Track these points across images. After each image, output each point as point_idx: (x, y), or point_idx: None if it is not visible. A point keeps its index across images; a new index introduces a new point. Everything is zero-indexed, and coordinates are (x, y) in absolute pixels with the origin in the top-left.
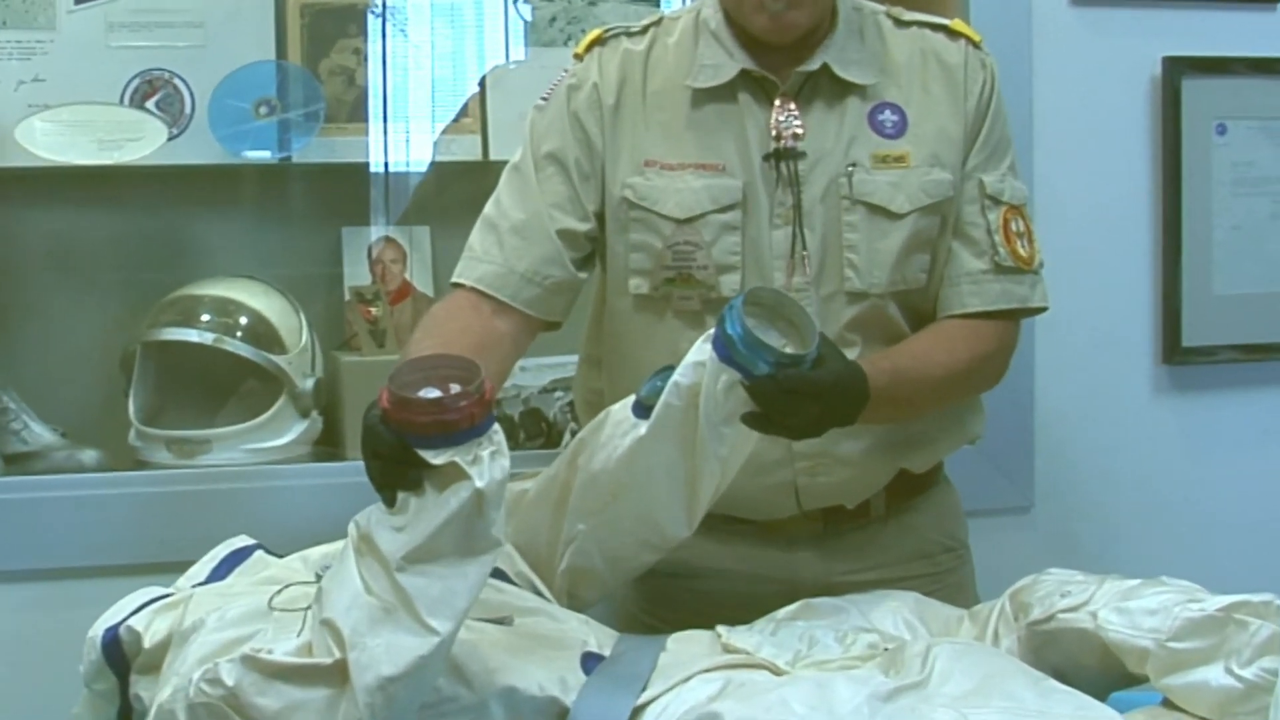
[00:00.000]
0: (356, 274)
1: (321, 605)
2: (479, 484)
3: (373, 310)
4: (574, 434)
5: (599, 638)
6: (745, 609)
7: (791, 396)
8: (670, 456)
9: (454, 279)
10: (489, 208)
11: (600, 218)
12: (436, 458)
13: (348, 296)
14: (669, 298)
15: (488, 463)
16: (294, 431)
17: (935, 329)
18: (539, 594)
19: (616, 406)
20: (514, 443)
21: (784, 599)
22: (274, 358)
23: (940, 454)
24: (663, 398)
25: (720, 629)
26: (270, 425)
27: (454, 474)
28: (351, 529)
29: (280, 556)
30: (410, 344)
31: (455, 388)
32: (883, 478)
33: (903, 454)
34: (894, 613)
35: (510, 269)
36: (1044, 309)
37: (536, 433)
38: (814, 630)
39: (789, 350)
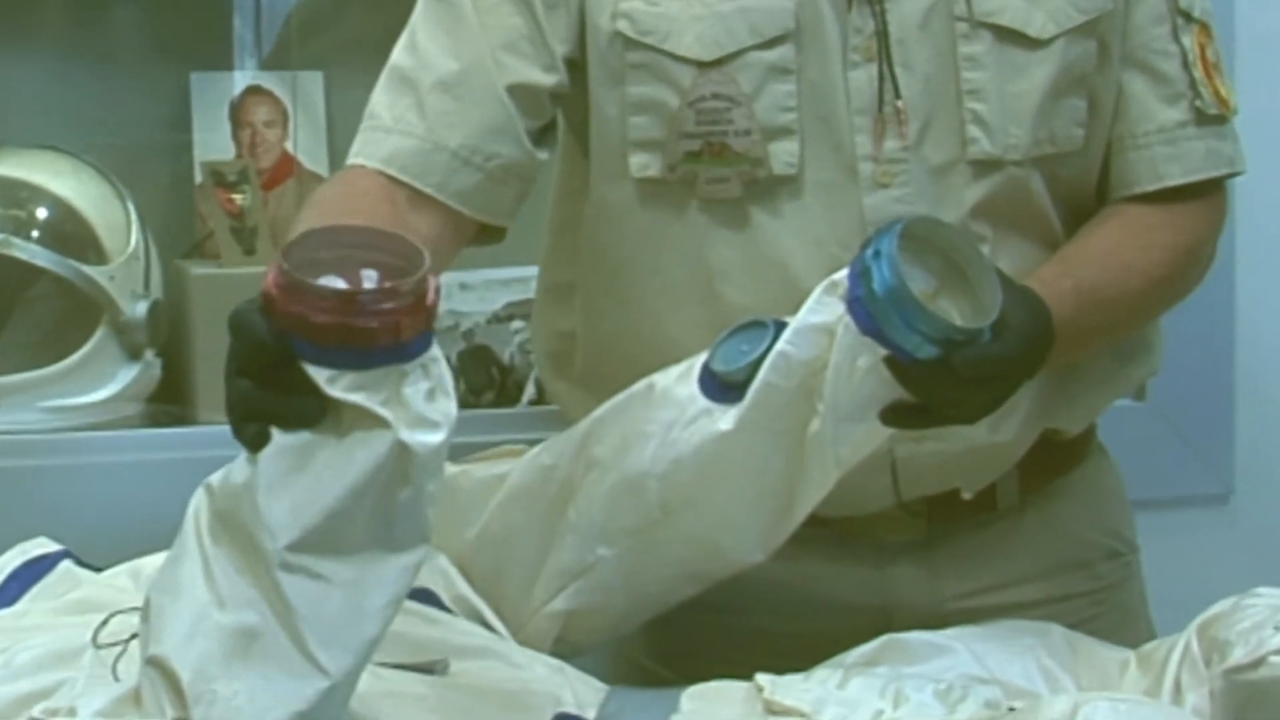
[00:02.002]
0: (213, 143)
1: (148, 632)
2: (402, 435)
3: (237, 198)
4: (539, 386)
5: (578, 693)
6: (810, 656)
7: (968, 384)
8: (762, 457)
9: (351, 158)
10: (400, 55)
11: (576, 66)
12: (333, 384)
13: (200, 177)
14: (692, 181)
15: (417, 404)
16: (119, 380)
17: (1119, 218)
18: (488, 627)
19: (669, 379)
20: None
21: (870, 637)
22: (88, 269)
23: (1099, 405)
24: (761, 375)
25: (761, 679)
26: (83, 371)
27: (363, 416)
28: (200, 500)
29: (98, 570)
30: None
31: (373, 276)
32: (1019, 444)
33: (1048, 407)
34: (1024, 654)
35: (437, 144)
36: (1243, 172)
37: (484, 382)
38: (903, 681)
39: (961, 323)
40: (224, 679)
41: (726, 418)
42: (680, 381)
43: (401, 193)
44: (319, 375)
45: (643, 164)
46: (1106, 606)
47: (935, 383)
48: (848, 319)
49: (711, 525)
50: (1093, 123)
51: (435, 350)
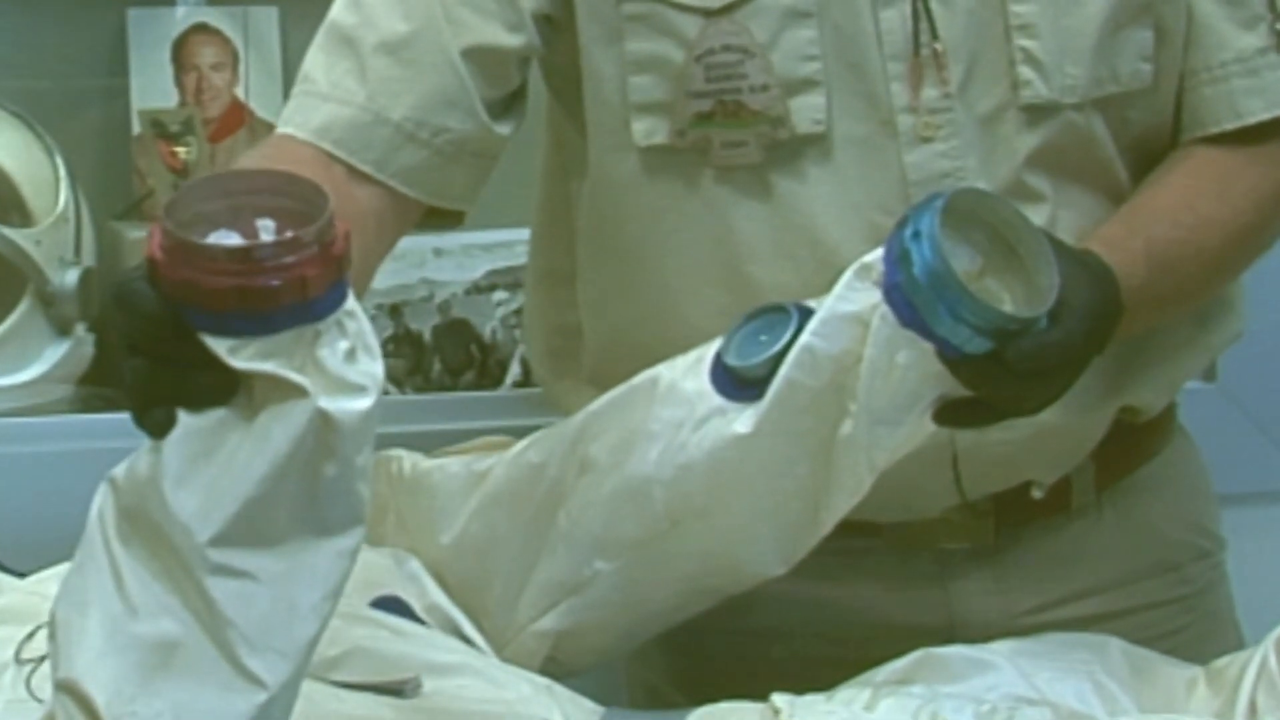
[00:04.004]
0: (152, 89)
1: (57, 652)
2: (321, 402)
3: (180, 152)
4: (525, 366)
5: (569, 714)
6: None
7: (1024, 378)
8: (784, 463)
9: (281, 126)
10: (341, 9)
11: (552, 24)
12: (236, 354)
13: (138, 128)
14: (706, 147)
15: (336, 366)
16: (46, 359)
17: (1192, 162)
18: (466, 641)
19: (676, 371)
20: (424, 378)
21: None
22: (10, 233)
23: (1177, 378)
24: (784, 372)
25: (778, 700)
26: (5, 349)
27: (276, 388)
28: (104, 497)
29: (22, 575)
30: None
31: (270, 227)
32: (1093, 427)
33: (1120, 381)
34: (1077, 671)
35: (378, 115)
36: None
37: (463, 362)
38: (940, 701)
39: (1013, 310)
40: (144, 698)
41: (743, 419)
42: (689, 375)
43: (339, 167)
44: (219, 346)
45: (647, 130)
46: (1196, 614)
47: (988, 378)
48: (884, 309)
49: (726, 537)
50: (1161, 56)
51: (352, 304)
